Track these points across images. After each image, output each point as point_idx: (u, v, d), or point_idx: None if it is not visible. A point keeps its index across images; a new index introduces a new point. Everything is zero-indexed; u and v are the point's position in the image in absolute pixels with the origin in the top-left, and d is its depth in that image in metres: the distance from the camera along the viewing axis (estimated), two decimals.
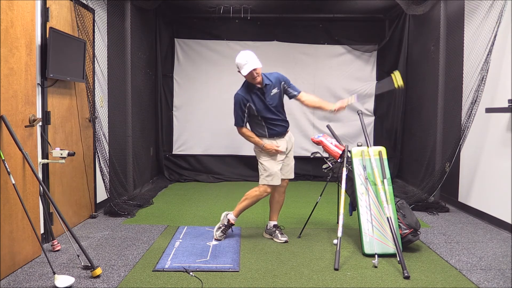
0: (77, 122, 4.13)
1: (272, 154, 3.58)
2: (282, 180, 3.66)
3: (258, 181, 3.64)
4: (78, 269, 2.99)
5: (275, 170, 3.56)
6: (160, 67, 6.58)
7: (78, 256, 3.12)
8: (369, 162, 3.55)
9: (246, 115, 3.57)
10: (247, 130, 3.66)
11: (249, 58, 3.42)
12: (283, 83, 3.61)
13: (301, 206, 5.05)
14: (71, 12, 3.98)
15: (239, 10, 6.19)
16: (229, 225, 3.73)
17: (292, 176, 3.75)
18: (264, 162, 3.59)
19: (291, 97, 3.68)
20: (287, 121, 3.70)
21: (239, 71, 3.48)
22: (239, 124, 3.60)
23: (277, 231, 3.72)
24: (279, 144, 3.60)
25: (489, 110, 4.18)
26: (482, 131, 4.40)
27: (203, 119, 6.79)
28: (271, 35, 6.76)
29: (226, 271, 3.00)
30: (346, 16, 6.62)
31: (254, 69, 3.39)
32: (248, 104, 3.52)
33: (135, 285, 2.77)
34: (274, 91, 3.55)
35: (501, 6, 3.97)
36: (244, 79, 3.56)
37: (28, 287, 2.70)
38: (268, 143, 3.57)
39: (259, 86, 3.52)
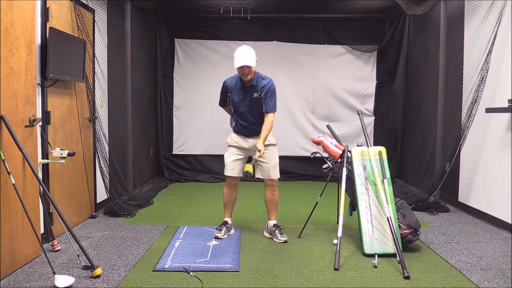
0: (77, 122, 4.13)
1: (230, 145, 3.77)
2: (264, 179, 3.71)
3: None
4: (78, 269, 2.99)
5: (226, 161, 3.74)
6: (160, 67, 6.57)
7: (78, 256, 3.12)
8: (369, 162, 3.55)
9: (228, 100, 3.74)
10: (227, 109, 3.90)
11: (245, 54, 3.46)
12: (263, 92, 3.58)
13: (301, 206, 5.05)
14: (71, 12, 3.98)
15: (239, 10, 6.19)
16: (223, 222, 3.84)
17: (271, 176, 3.70)
18: (225, 153, 3.80)
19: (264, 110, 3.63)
20: (258, 128, 3.64)
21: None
22: (219, 103, 3.88)
23: (276, 231, 3.72)
24: (241, 143, 3.71)
25: (489, 110, 4.18)
26: (482, 131, 4.40)
27: (203, 119, 6.79)
28: (271, 35, 6.76)
29: (226, 271, 3.00)
30: (346, 16, 6.62)
31: (247, 66, 3.43)
32: (229, 94, 3.70)
33: (135, 285, 2.77)
34: (255, 94, 3.61)
35: (501, 6, 3.97)
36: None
37: (28, 287, 2.70)
38: (230, 137, 3.79)
39: (246, 84, 3.60)
